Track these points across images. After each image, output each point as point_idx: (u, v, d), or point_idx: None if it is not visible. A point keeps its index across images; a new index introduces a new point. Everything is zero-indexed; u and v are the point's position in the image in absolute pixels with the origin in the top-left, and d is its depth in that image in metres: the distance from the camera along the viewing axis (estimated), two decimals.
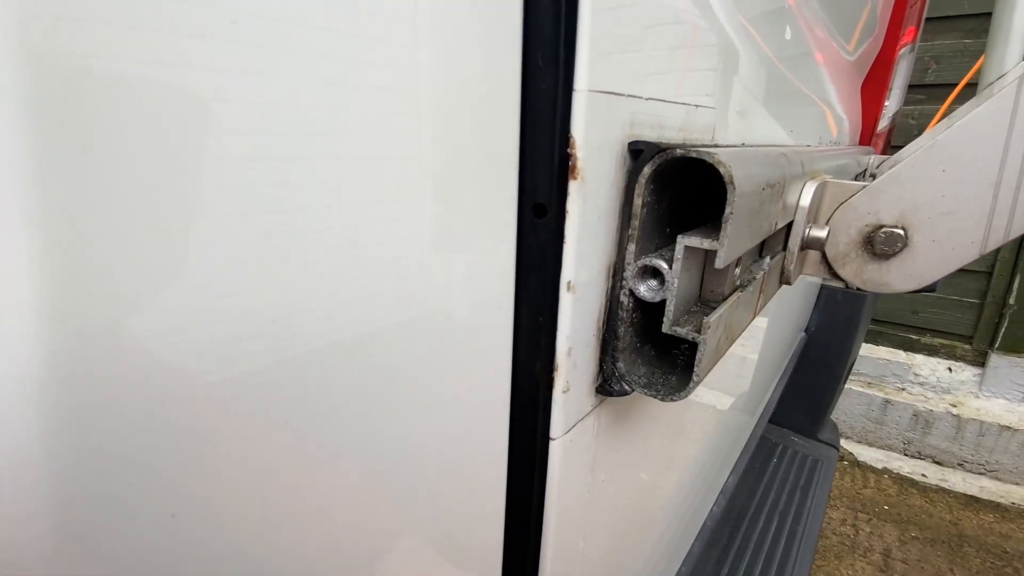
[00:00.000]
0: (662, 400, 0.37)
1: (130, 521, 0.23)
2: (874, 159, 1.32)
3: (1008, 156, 0.48)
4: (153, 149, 0.20)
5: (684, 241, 0.33)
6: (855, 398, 2.73)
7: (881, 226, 0.54)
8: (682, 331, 0.35)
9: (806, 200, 0.52)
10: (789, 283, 0.55)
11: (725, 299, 0.38)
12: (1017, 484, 2.47)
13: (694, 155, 0.32)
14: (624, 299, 0.37)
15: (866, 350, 2.72)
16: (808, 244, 0.54)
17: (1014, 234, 0.49)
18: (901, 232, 0.53)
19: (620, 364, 0.39)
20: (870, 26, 1.52)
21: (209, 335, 0.23)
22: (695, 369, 0.35)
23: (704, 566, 1.21)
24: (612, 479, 0.47)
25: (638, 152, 0.35)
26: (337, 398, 0.29)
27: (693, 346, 0.42)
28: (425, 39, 0.27)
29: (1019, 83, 0.46)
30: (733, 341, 0.42)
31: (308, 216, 0.25)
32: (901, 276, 0.54)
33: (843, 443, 2.73)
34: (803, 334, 1.83)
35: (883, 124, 1.85)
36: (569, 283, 0.33)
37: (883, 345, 2.77)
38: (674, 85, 0.40)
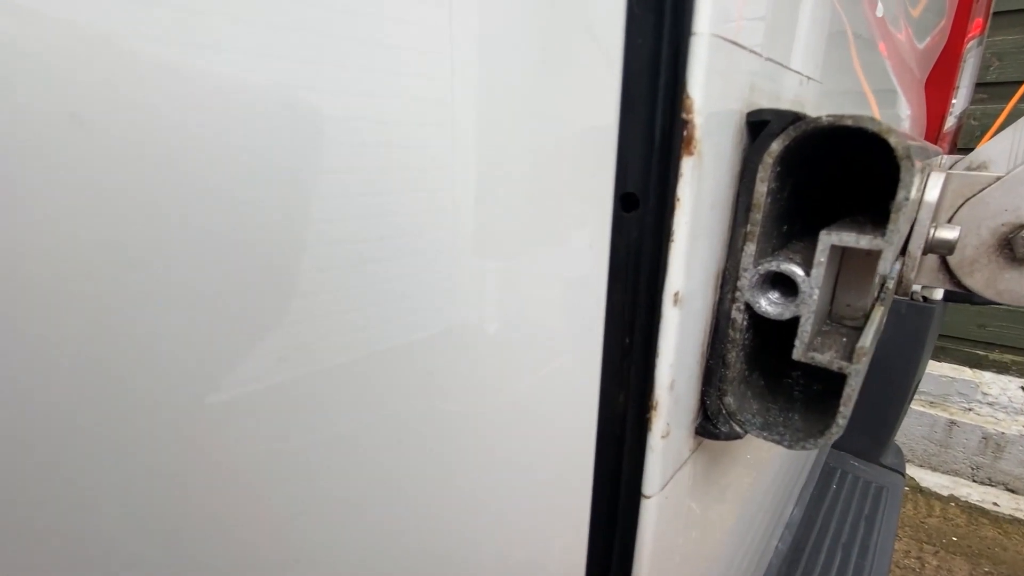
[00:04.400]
0: (788, 447, 0.29)
1: None
2: (945, 160, 1.20)
3: None
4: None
5: (830, 239, 0.25)
6: (916, 419, 2.54)
7: (1022, 225, 0.44)
8: (822, 358, 0.26)
9: (932, 194, 0.43)
10: (907, 295, 0.46)
11: (868, 316, 0.30)
12: None
13: (850, 123, 0.23)
14: (737, 315, 0.29)
15: (927, 367, 2.52)
16: (933, 247, 0.44)
17: None
18: None
19: (728, 399, 0.30)
20: (936, 15, 1.40)
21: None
22: (840, 409, 0.26)
23: None
24: (702, 536, 0.39)
25: (760, 125, 0.27)
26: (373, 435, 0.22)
27: (813, 375, 0.33)
28: None
29: None
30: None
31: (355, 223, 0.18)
32: None
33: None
34: None
35: (950, 123, 1.72)
36: (677, 295, 0.25)
37: (946, 361, 2.58)
38: (791, 47, 0.32)
